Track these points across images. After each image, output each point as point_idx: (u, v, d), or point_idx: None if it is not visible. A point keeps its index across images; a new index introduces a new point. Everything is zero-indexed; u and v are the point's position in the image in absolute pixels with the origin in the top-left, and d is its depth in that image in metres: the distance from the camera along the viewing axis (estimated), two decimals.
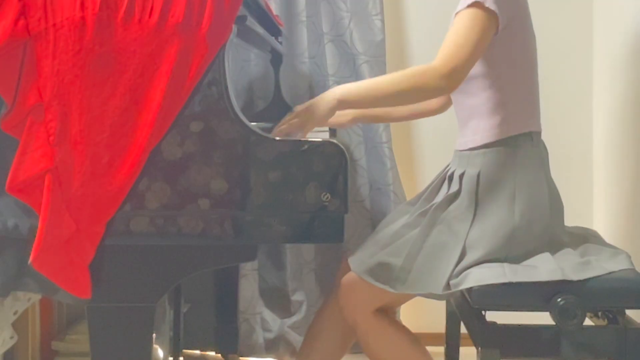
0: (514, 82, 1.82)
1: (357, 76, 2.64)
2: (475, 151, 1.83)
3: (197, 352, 2.68)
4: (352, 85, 1.75)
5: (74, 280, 1.48)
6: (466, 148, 1.85)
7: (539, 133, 1.86)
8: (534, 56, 1.86)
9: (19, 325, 2.11)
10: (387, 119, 2.26)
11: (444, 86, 1.68)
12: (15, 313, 2.01)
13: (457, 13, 1.76)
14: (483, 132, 1.82)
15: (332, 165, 1.53)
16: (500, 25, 1.73)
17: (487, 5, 1.71)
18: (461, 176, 1.82)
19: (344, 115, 2.06)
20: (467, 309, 1.83)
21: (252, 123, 1.58)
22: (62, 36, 1.45)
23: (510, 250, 1.74)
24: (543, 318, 1.71)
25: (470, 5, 1.72)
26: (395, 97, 1.73)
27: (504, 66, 1.80)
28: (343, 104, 1.72)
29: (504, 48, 1.78)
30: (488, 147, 1.81)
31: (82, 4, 1.46)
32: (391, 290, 1.74)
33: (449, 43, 1.70)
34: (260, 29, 1.98)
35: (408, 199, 2.41)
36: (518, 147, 1.80)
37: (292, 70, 2.65)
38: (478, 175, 1.80)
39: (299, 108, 1.77)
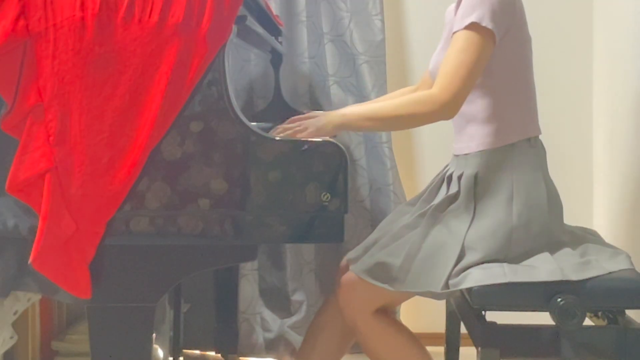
0: (510, 89, 1.82)
1: (357, 76, 2.64)
2: (473, 154, 1.83)
3: (197, 352, 2.68)
4: (356, 108, 1.79)
5: (74, 280, 1.48)
6: (462, 154, 1.86)
7: (536, 136, 1.86)
8: (530, 61, 1.86)
9: (19, 325, 2.11)
10: None
11: (444, 114, 1.72)
12: (15, 313, 2.01)
13: (454, 33, 1.76)
14: (479, 139, 1.82)
15: (332, 165, 1.53)
16: (497, 39, 1.74)
17: (483, 24, 1.71)
18: (460, 177, 1.82)
19: None
20: (467, 309, 1.83)
21: (252, 123, 1.58)
22: (62, 36, 1.45)
23: (509, 251, 1.74)
24: (543, 318, 1.71)
25: (466, 27, 1.72)
26: (395, 122, 1.80)
27: (500, 74, 1.80)
28: (345, 125, 1.75)
29: (501, 56, 1.78)
30: (485, 152, 1.82)
31: (82, 4, 1.46)
32: (390, 288, 1.74)
33: (447, 69, 1.72)
34: (260, 29, 1.98)
35: (408, 199, 2.41)
36: (515, 148, 1.80)
37: (292, 70, 2.65)
38: (476, 176, 1.80)
39: (304, 118, 1.77)
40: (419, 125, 1.79)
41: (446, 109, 1.71)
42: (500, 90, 1.81)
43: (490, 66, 1.77)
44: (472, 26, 1.72)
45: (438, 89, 1.71)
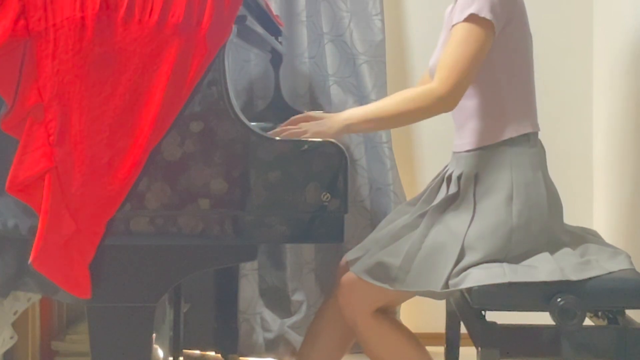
0: (511, 84, 1.82)
1: (357, 76, 2.64)
2: (473, 152, 1.83)
3: (197, 352, 2.68)
4: (357, 110, 1.79)
5: (74, 281, 1.48)
6: (463, 150, 1.86)
7: (536, 133, 1.86)
8: (531, 56, 1.86)
9: (19, 325, 2.11)
10: None
11: (444, 106, 1.73)
12: (15, 313, 2.01)
13: (453, 25, 1.76)
14: (480, 134, 1.82)
15: (332, 165, 1.53)
16: (497, 31, 1.74)
17: (482, 15, 1.71)
18: (459, 177, 1.82)
19: None
20: (467, 309, 1.83)
21: (252, 123, 1.58)
22: (62, 36, 1.45)
23: (509, 251, 1.74)
24: (543, 318, 1.71)
25: (465, 19, 1.72)
26: (397, 120, 1.79)
27: (501, 68, 1.80)
28: (349, 128, 1.75)
29: (501, 50, 1.78)
30: (485, 149, 1.82)
31: (82, 4, 1.46)
32: (390, 288, 1.74)
33: (446, 62, 1.72)
34: (260, 29, 1.98)
35: (408, 199, 2.41)
36: (515, 147, 1.80)
37: (292, 70, 2.65)
38: (475, 177, 1.80)
39: (305, 122, 1.76)
40: (421, 120, 1.80)
41: (445, 101, 1.71)
42: (501, 84, 1.81)
43: (491, 61, 1.78)
44: (471, 18, 1.72)
45: (437, 83, 1.71)
